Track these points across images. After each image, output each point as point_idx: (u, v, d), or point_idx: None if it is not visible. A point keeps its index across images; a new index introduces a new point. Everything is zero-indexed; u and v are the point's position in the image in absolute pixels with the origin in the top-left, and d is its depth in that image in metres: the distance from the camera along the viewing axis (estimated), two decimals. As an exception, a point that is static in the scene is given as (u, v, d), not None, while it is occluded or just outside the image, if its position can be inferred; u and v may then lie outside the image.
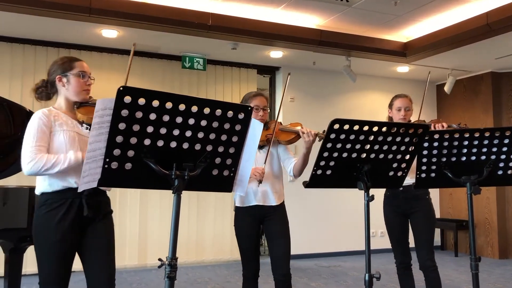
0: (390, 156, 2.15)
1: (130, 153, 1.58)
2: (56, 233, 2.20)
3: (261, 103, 3.04)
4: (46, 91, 2.44)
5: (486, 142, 2.28)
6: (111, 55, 5.95)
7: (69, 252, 2.25)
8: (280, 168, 3.08)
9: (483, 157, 2.31)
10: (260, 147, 3.02)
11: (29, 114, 3.27)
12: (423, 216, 3.24)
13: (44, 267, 2.23)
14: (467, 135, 2.27)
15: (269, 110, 3.16)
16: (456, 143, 2.27)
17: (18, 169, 3.39)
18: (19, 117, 3.26)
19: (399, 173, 2.24)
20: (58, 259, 2.21)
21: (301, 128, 2.88)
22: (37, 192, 2.30)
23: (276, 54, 6.17)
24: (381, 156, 2.13)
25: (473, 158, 2.31)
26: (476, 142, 2.28)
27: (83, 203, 2.24)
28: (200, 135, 1.66)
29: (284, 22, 5.50)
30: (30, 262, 5.24)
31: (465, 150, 2.29)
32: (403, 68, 6.93)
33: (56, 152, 2.23)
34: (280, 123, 3.07)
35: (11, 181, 3.83)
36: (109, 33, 5.31)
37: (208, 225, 6.34)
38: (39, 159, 2.14)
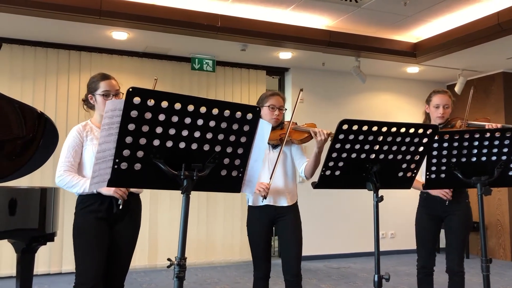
0: (400, 156, 2.14)
1: (140, 153, 1.59)
2: (91, 223, 2.52)
3: (277, 103, 3.04)
4: (87, 103, 2.75)
5: (496, 142, 2.26)
6: (121, 57, 5.99)
7: (103, 240, 2.54)
8: (293, 168, 3.06)
9: (494, 158, 2.30)
10: (274, 146, 3.02)
11: (40, 115, 3.30)
12: (459, 220, 3.13)
13: (81, 255, 2.49)
14: (477, 135, 2.25)
15: (285, 110, 3.14)
16: (466, 143, 2.26)
17: (30, 170, 3.43)
18: (30, 118, 3.29)
19: (409, 174, 2.23)
20: (94, 245, 2.49)
21: (315, 128, 2.86)
22: (76, 193, 2.61)
23: (285, 55, 6.17)
24: (390, 156, 2.12)
25: (484, 158, 2.30)
26: (486, 143, 2.26)
27: (113, 202, 2.54)
28: (209, 135, 1.67)
29: (293, 23, 5.50)
30: (41, 262, 5.32)
31: (475, 151, 2.28)
32: (413, 69, 6.89)
33: (86, 165, 2.59)
34: (295, 123, 3.06)
35: (23, 182, 3.88)
36: (119, 35, 5.35)
37: (217, 226, 6.35)
38: (64, 178, 2.53)
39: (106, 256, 2.56)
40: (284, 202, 2.97)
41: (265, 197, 2.82)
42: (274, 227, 3.03)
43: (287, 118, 3.38)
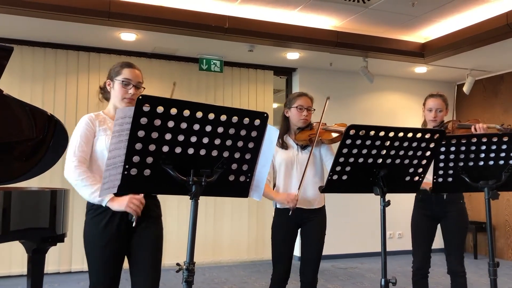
0: (407, 161, 2.14)
1: (149, 159, 1.61)
2: (101, 238, 2.26)
3: (305, 103, 3.03)
4: (103, 92, 2.51)
5: (504, 146, 2.26)
6: (130, 58, 6.00)
7: (116, 257, 2.30)
8: (322, 170, 3.04)
9: (501, 162, 2.29)
10: (303, 147, 3.01)
11: (50, 118, 3.35)
12: (454, 220, 3.16)
13: (93, 271, 2.30)
14: (485, 139, 2.25)
15: (313, 110, 3.10)
16: (473, 147, 2.26)
17: (40, 171, 3.47)
18: (41, 120, 3.33)
19: (416, 178, 2.23)
20: (104, 264, 2.27)
21: None
22: (84, 197, 2.35)
23: (292, 55, 6.18)
24: (397, 161, 2.12)
25: (491, 162, 2.29)
26: (494, 147, 2.26)
27: (127, 214, 2.27)
28: (217, 141, 1.68)
29: (301, 24, 5.51)
30: (51, 261, 5.38)
31: (482, 155, 2.28)
32: (421, 69, 6.87)
33: (98, 156, 2.31)
34: (325, 124, 3.04)
35: (33, 183, 3.93)
36: (128, 36, 5.39)
37: (225, 225, 6.38)
38: (77, 174, 2.22)
39: (121, 267, 2.33)
40: (313, 205, 2.97)
41: (293, 209, 2.82)
42: (300, 229, 3.02)
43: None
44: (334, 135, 2.90)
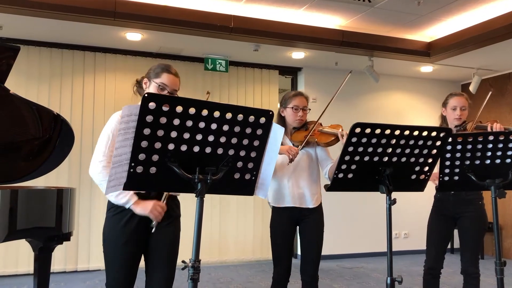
0: (413, 159, 2.13)
1: (155, 157, 1.61)
2: (122, 236, 2.31)
3: (301, 103, 3.01)
4: (139, 87, 2.53)
5: (511, 145, 2.24)
6: (135, 58, 6.04)
7: (135, 255, 2.34)
8: (318, 170, 3.05)
9: (508, 160, 2.28)
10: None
11: (56, 117, 3.36)
12: (471, 221, 3.12)
13: (110, 268, 2.33)
14: (491, 138, 2.24)
15: (309, 110, 3.11)
16: (480, 146, 2.24)
17: (46, 170, 3.49)
18: (47, 120, 3.35)
19: (422, 177, 2.22)
20: (123, 261, 2.31)
21: (341, 130, 2.82)
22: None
23: (298, 55, 6.17)
24: (403, 159, 2.11)
25: (498, 161, 2.28)
26: (501, 145, 2.24)
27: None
28: (222, 139, 1.69)
29: (306, 23, 5.50)
30: (57, 260, 5.41)
31: (489, 153, 2.26)
32: (427, 68, 6.84)
33: None
34: (321, 124, 3.02)
35: (39, 182, 3.94)
36: (133, 36, 5.40)
37: (230, 225, 6.38)
38: (102, 175, 2.27)
39: (138, 266, 2.38)
40: (308, 204, 2.96)
41: (291, 161, 2.79)
42: (298, 228, 3.03)
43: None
44: (330, 138, 2.89)
